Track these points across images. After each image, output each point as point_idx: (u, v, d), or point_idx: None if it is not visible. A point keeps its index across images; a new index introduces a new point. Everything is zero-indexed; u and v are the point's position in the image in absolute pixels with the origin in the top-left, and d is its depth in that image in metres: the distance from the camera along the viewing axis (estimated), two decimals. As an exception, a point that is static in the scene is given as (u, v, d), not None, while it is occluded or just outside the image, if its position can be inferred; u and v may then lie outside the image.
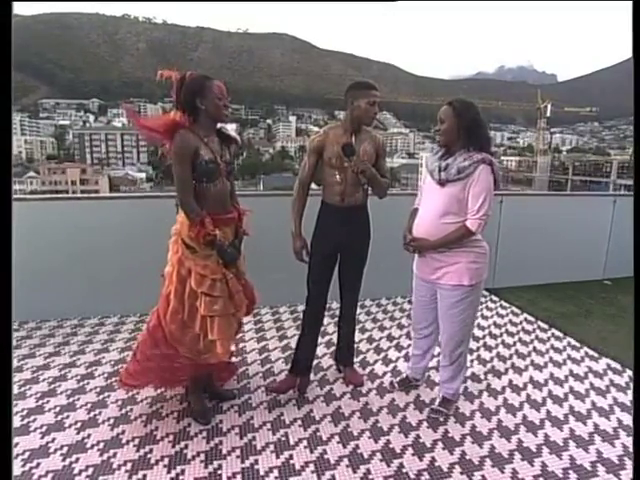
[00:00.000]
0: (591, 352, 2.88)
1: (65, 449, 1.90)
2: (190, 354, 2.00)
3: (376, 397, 2.30)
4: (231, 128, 2.21)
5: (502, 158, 77.59)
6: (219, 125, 2.06)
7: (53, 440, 1.96)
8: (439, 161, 1.92)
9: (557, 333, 3.16)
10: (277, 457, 1.85)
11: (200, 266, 1.92)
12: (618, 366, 2.69)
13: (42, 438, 1.97)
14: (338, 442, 1.94)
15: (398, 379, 2.40)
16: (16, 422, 2.06)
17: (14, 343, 2.88)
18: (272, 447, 1.91)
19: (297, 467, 1.79)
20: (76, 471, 1.78)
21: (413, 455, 1.86)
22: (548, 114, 69.76)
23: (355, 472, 1.76)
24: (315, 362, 2.66)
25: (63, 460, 1.84)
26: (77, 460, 1.84)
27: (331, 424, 2.07)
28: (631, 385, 2.44)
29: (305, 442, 1.94)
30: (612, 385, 2.47)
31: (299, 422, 2.08)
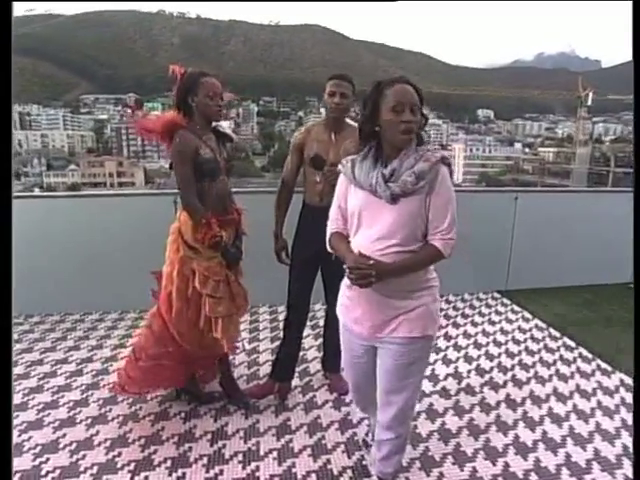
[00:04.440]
0: (604, 365, 2.64)
1: (39, 449, 1.91)
2: (200, 350, 2.01)
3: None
4: (226, 125, 2.15)
5: (539, 149, 74.43)
6: (214, 123, 2.02)
7: (29, 439, 1.97)
8: (377, 168, 1.36)
9: (569, 342, 2.93)
10: (243, 468, 1.79)
11: (203, 267, 1.90)
12: (632, 382, 2.45)
13: (19, 436, 1.98)
14: (309, 455, 1.86)
15: (370, 435, 1.89)
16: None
17: (16, 337, 2.96)
18: (240, 457, 1.85)
19: (262, 480, 1.72)
20: (43, 472, 1.77)
21: (386, 475, 1.74)
22: (589, 102, 66.01)
23: (321, 490, 1.67)
24: (303, 366, 2.59)
25: (34, 460, 1.84)
26: (47, 460, 1.83)
27: (306, 435, 1.99)
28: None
29: (275, 453, 1.87)
30: (623, 404, 2.25)
31: (273, 431, 2.01)
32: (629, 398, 2.30)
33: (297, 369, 2.49)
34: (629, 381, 2.46)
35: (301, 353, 2.68)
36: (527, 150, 76.65)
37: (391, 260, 1.33)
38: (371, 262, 1.31)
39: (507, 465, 1.80)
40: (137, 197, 3.72)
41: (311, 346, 2.83)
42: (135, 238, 3.19)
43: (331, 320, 2.34)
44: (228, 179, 2.04)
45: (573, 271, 3.92)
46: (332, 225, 1.53)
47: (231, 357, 2.66)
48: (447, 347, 2.85)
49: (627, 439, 1.98)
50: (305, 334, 2.93)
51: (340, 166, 1.48)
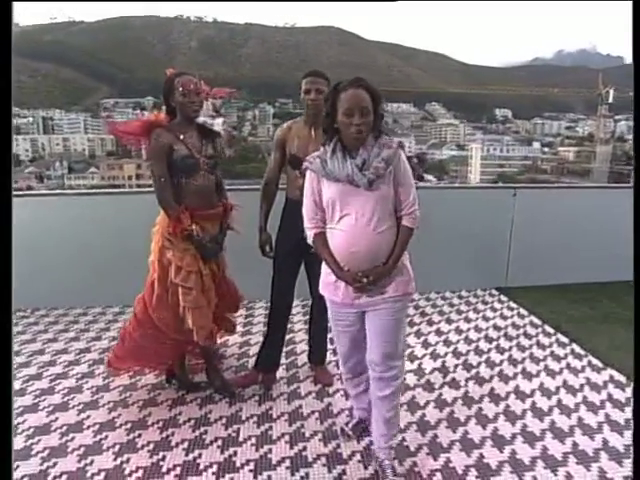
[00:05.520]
0: (595, 361, 2.60)
1: (31, 430, 2.00)
2: (179, 335, 2.09)
3: (341, 398, 2.23)
4: (217, 123, 2.22)
5: (559, 149, 72.77)
6: (202, 119, 2.09)
7: (24, 422, 2.06)
8: (347, 160, 1.52)
9: (562, 339, 2.90)
10: (221, 453, 1.84)
11: (177, 257, 1.99)
12: (622, 379, 2.41)
13: (15, 419, 2.07)
14: (286, 442, 1.90)
15: (350, 425, 1.94)
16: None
17: (20, 329, 3.08)
18: (220, 442, 1.91)
19: (237, 464, 1.78)
20: (33, 452, 1.86)
21: (359, 462, 1.78)
22: (610, 100, 64.18)
23: (293, 475, 1.72)
24: (291, 358, 2.63)
25: (26, 441, 1.93)
26: (38, 442, 1.92)
27: (286, 423, 2.03)
28: (631, 401, 2.18)
29: (254, 440, 1.92)
30: (609, 400, 2.22)
31: (255, 419, 2.06)
32: (616, 394, 2.27)
33: (285, 361, 2.54)
34: (619, 377, 2.43)
35: (291, 346, 2.74)
36: (546, 149, 75.00)
37: (380, 236, 1.55)
38: (365, 279, 1.54)
39: (482, 456, 1.81)
40: (142, 195, 3.80)
41: (302, 340, 2.86)
42: (141, 234, 3.29)
43: (316, 314, 2.39)
44: (216, 175, 2.09)
45: (574, 269, 3.85)
46: (310, 224, 1.65)
47: (223, 349, 2.73)
48: (437, 342, 2.85)
49: (608, 434, 1.96)
50: (298, 328, 3.01)
51: (307, 164, 1.60)
